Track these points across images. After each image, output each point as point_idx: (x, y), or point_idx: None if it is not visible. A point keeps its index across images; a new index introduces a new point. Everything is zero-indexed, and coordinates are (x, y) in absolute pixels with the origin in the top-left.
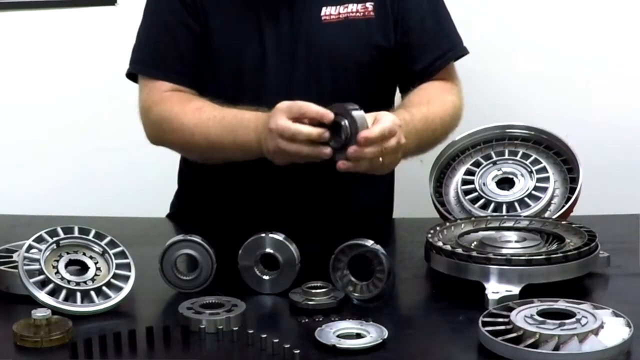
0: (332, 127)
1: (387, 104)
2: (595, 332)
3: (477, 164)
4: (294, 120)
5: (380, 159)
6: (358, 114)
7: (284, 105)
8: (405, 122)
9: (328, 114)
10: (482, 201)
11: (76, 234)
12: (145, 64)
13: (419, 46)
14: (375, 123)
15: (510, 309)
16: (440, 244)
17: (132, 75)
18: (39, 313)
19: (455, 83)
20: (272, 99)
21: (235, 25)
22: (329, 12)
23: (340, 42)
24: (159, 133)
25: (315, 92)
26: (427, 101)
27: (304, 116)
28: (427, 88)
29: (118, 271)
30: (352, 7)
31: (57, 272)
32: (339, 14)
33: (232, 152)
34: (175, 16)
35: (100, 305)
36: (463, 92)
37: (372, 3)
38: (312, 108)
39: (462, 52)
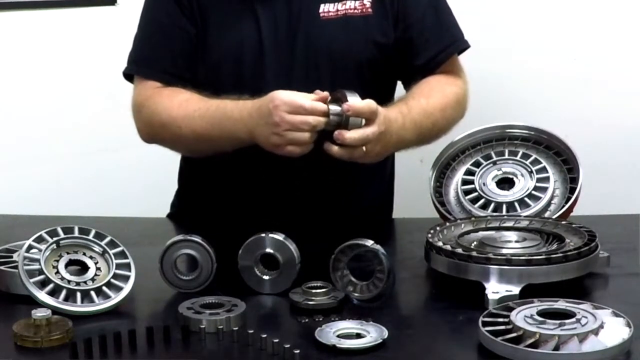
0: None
1: (386, 100)
2: (595, 332)
3: (477, 164)
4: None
5: (364, 148)
6: (354, 99)
7: (281, 98)
8: (402, 115)
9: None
10: (482, 201)
11: (76, 234)
12: (139, 63)
13: (421, 41)
14: None
15: (510, 309)
16: (440, 244)
17: (129, 76)
18: (39, 313)
19: (460, 75)
20: None
21: (234, 24)
22: (327, 9)
23: (339, 39)
24: (149, 129)
25: (314, 88)
26: (427, 93)
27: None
28: (428, 81)
29: (118, 271)
30: (350, 4)
31: (57, 272)
32: (337, 10)
33: (220, 143)
34: (170, 17)
35: (100, 305)
36: (468, 85)
37: (370, 0)
38: (307, 106)
39: (463, 45)
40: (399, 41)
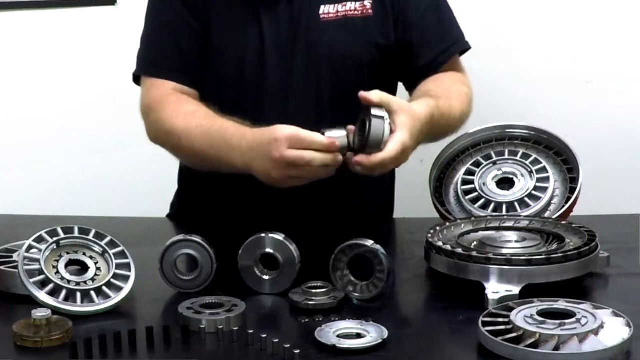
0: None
1: None
2: (595, 332)
3: (477, 164)
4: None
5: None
6: (376, 124)
7: (283, 133)
8: (432, 117)
9: (333, 144)
10: (482, 201)
11: (76, 234)
12: (148, 63)
13: (421, 42)
14: (391, 139)
15: (510, 309)
16: (440, 244)
17: (137, 79)
18: (39, 313)
19: (464, 74)
20: (272, 97)
21: (235, 24)
22: (327, 10)
23: (339, 40)
24: (155, 133)
25: (315, 90)
26: (447, 94)
27: (309, 148)
28: (442, 79)
29: (118, 271)
30: (351, 6)
31: (57, 272)
32: (337, 12)
33: (217, 165)
34: (176, 16)
35: (100, 305)
36: (471, 83)
37: (371, 1)
38: (318, 140)
39: (464, 46)
40: (400, 42)
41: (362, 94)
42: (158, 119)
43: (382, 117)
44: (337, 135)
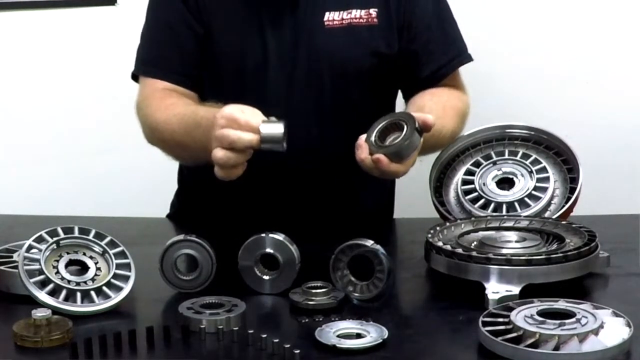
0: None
1: (387, 109)
2: (595, 332)
3: (477, 164)
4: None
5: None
6: (416, 139)
7: (222, 112)
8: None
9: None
10: (482, 201)
11: (76, 234)
12: (145, 63)
13: (425, 53)
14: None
15: (510, 309)
16: (440, 244)
17: (136, 77)
18: (39, 313)
19: (463, 91)
20: (273, 102)
21: (238, 28)
22: (332, 17)
23: (342, 47)
24: (144, 130)
25: (316, 95)
26: (442, 113)
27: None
28: (440, 95)
29: (118, 271)
30: (356, 13)
31: (57, 272)
32: (342, 19)
33: (196, 153)
34: (177, 16)
35: (100, 305)
36: (470, 99)
37: (376, 10)
38: (253, 124)
39: (467, 59)
40: (403, 52)
41: (426, 117)
42: (144, 115)
43: (421, 135)
44: (273, 130)
